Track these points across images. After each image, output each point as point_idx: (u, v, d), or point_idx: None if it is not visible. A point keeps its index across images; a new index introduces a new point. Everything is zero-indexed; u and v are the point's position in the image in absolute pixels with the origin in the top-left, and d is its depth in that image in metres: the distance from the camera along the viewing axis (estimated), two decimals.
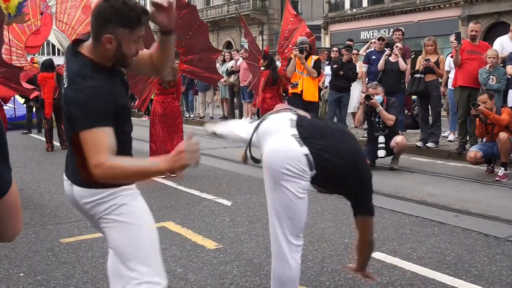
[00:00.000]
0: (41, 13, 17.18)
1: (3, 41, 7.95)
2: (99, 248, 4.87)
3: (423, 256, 4.50)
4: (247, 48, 13.49)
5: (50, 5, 16.45)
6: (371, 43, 11.65)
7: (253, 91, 11.08)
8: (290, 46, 9.67)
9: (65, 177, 2.63)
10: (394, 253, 4.58)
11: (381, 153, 8.36)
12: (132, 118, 2.65)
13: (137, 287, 2.46)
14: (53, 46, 50.28)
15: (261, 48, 10.53)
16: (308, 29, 10.20)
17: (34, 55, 19.00)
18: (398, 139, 8.34)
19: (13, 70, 8.03)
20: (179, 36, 8.74)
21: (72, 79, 2.36)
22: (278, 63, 9.91)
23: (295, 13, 10.45)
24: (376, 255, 4.53)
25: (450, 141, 10.42)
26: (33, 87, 9.51)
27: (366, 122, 8.95)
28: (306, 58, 9.13)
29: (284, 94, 9.88)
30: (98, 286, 4.00)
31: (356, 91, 11.89)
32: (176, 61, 8.25)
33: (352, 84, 11.44)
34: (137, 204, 2.57)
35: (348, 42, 12.50)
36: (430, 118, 10.33)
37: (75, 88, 2.31)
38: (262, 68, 9.68)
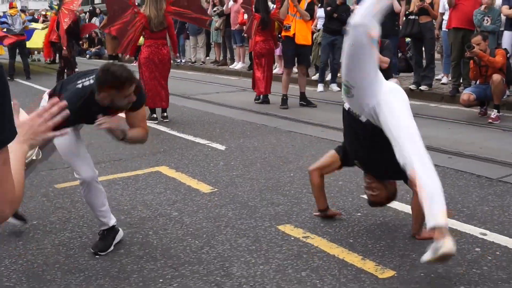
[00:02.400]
0: None
1: None
2: None
3: None
4: None
5: None
6: None
7: (246, 35, 10.90)
8: None
9: None
10: None
11: None
12: (124, 63, 2.73)
13: None
14: None
15: None
16: None
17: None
18: (391, 83, 8.26)
19: None
20: None
21: None
22: (273, 6, 9.69)
23: None
24: None
25: (443, 83, 10.39)
26: (3, 35, 9.24)
27: None
28: (299, 0, 8.94)
29: (280, 36, 9.67)
30: (95, 230, 4.02)
31: None
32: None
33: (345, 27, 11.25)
34: None
35: None
36: (424, 60, 10.25)
37: None
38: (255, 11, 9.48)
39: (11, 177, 1.34)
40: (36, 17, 21.98)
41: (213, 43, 16.54)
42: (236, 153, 6.13)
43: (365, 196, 4.56)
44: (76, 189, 4.99)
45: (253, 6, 9.56)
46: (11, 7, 15.51)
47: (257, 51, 9.38)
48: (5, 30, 14.07)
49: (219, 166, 5.66)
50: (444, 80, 10.45)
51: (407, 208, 4.27)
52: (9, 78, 14.41)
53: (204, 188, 4.92)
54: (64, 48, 11.74)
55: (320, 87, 11.05)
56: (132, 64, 17.78)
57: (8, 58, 15.03)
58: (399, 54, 12.16)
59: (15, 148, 1.45)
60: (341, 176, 5.16)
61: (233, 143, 6.62)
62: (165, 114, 8.15)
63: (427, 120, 7.96)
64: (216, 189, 4.88)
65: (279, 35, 9.57)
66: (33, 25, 16.51)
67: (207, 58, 17.11)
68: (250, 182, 5.09)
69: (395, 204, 4.36)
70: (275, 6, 9.61)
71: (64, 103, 1.71)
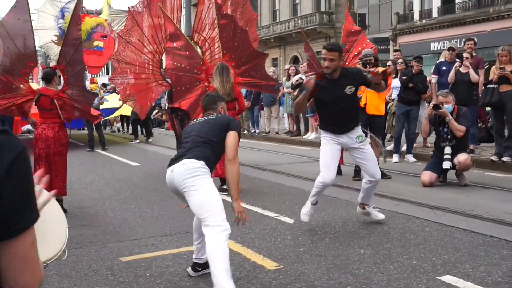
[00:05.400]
0: (105, 36, 17.82)
1: (83, 63, 7.98)
2: (158, 267, 4.81)
3: (499, 280, 4.15)
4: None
5: (114, 29, 17.01)
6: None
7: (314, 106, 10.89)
8: (351, 58, 9.41)
9: None
10: (467, 277, 4.24)
11: (446, 164, 7.95)
12: None
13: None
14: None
15: None
16: (368, 40, 9.92)
17: (95, 75, 19.54)
18: (461, 158, 7.88)
19: (86, 95, 7.92)
20: (227, 50, 8.69)
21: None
22: None
23: (354, 24, 10.19)
24: (447, 278, 4.23)
25: None
26: (98, 113, 9.43)
27: (434, 132, 8.56)
28: None
29: None
30: None
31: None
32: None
33: (422, 97, 10.97)
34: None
35: (397, 59, 12.02)
36: (506, 130, 9.77)
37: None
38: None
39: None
40: (117, 91, 23.20)
41: (286, 114, 16.63)
42: (305, 227, 5.92)
43: (441, 278, 4.23)
44: (140, 262, 4.94)
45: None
46: (92, 82, 16.34)
47: None
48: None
49: (286, 240, 5.47)
50: None
51: None
52: (89, 149, 15.02)
53: (269, 264, 4.73)
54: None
55: (395, 158, 10.74)
56: None
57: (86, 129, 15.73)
58: (479, 124, 11.72)
59: None
60: (415, 255, 4.84)
61: None
62: None
63: (511, 193, 7.47)
64: (281, 266, 4.68)
65: None
66: (109, 98, 17.07)
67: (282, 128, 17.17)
68: (317, 259, 4.86)
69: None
70: None
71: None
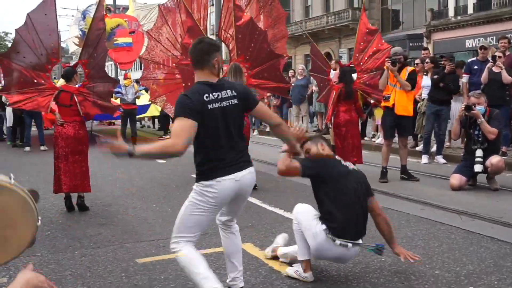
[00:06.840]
0: (133, 32, 17.91)
1: (106, 49, 7.98)
2: (173, 270, 4.72)
3: None
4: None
5: (142, 23, 17.13)
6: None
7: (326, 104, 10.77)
8: (366, 58, 9.18)
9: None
10: None
11: (477, 167, 7.69)
12: None
13: None
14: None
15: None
16: (383, 41, 9.61)
17: (127, 70, 19.67)
18: (494, 160, 7.61)
19: (105, 83, 7.82)
20: (242, 50, 8.56)
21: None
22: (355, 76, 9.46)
23: (370, 25, 9.84)
24: None
25: None
26: (117, 104, 9.34)
27: (465, 134, 8.27)
28: (400, 69, 8.59)
29: (365, 107, 9.35)
30: None
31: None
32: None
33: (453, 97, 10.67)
34: None
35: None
36: None
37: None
38: (334, 82, 9.33)
39: None
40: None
41: (315, 112, 16.46)
42: None
43: None
44: (156, 264, 4.87)
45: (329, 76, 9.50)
46: (125, 78, 16.43)
47: (337, 122, 9.01)
48: (118, 99, 14.83)
49: None
50: None
51: None
52: None
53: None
54: None
55: (425, 159, 10.48)
56: None
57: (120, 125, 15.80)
58: None
59: None
60: (438, 264, 4.65)
61: None
62: None
63: None
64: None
65: (364, 106, 9.25)
66: (145, 94, 17.25)
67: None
68: (336, 266, 4.71)
69: None
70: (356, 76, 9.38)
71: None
